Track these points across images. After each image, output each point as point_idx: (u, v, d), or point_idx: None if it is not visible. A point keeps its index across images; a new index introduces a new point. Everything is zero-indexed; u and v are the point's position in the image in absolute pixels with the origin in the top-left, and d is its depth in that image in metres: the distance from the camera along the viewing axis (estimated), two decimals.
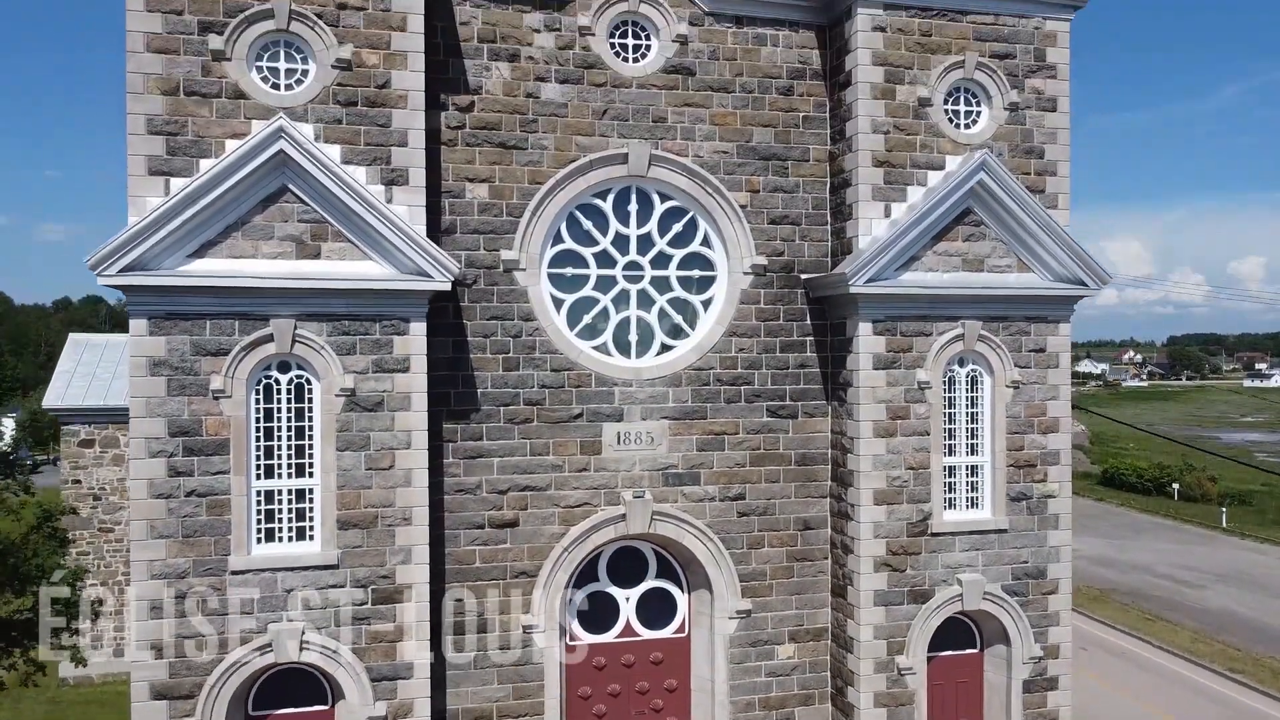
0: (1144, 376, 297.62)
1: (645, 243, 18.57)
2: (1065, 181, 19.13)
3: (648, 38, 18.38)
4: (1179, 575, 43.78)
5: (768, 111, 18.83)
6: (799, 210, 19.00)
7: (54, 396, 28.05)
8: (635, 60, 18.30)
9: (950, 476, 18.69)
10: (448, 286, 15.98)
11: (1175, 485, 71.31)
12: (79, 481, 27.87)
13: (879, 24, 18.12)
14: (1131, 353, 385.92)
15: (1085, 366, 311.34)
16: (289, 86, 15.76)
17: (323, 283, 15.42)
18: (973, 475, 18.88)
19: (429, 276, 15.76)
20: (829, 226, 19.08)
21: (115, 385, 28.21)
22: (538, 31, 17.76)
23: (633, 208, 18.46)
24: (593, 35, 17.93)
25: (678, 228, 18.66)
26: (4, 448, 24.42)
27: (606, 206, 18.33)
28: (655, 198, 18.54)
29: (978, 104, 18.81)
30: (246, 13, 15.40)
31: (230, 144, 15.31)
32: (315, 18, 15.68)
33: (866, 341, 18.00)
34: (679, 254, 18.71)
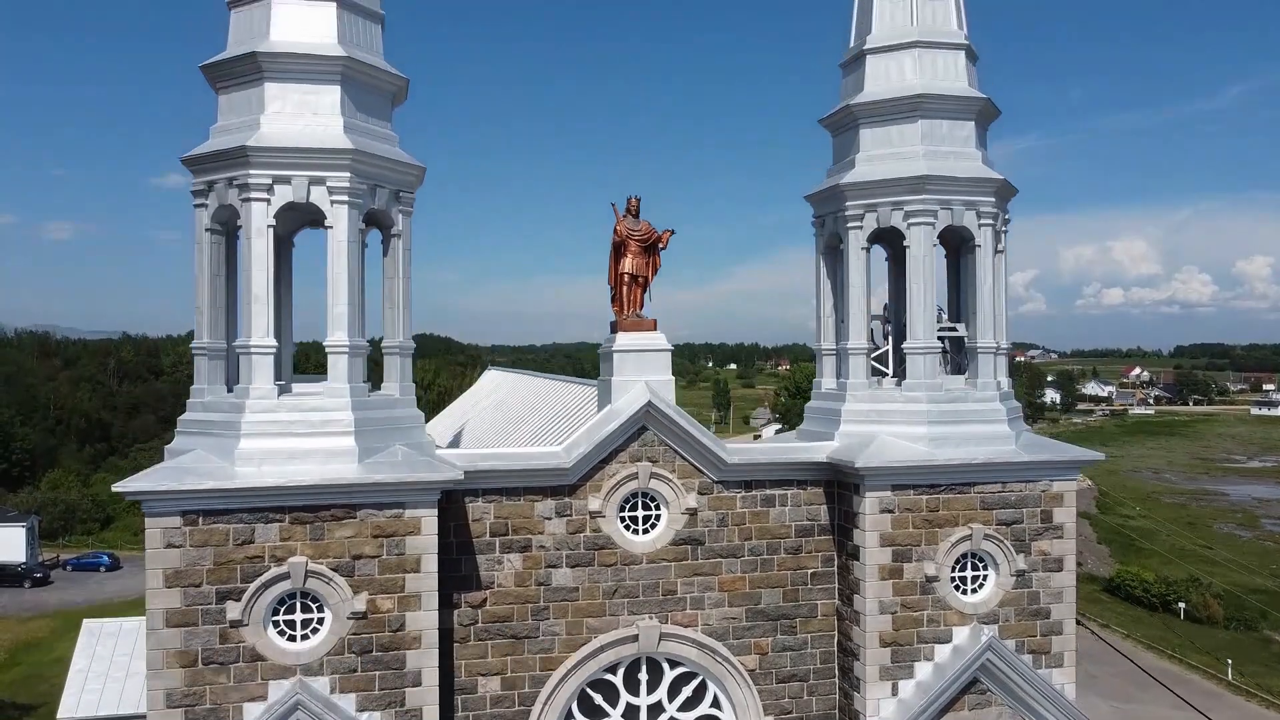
0: (1150, 401, 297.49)
1: (655, 710, 18.80)
2: (1071, 639, 19.31)
3: (657, 508, 18.61)
4: None
5: (776, 572, 19.05)
6: (807, 667, 19.22)
7: (68, 707, 28.41)
8: (644, 532, 18.53)
9: None
10: None
11: (1182, 605, 71.40)
12: None
13: (887, 505, 18.31)
14: (1138, 370, 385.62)
15: (1091, 389, 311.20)
16: (305, 637, 16.02)
17: None
18: None
19: None
20: (836, 682, 19.29)
21: (129, 685, 28.55)
22: (549, 519, 18.00)
23: (643, 676, 18.69)
24: (603, 517, 18.16)
25: (687, 692, 18.90)
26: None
27: (617, 680, 18.56)
28: (665, 665, 18.77)
29: (984, 568, 18.98)
30: (263, 578, 15.66)
31: (248, 707, 15.59)
32: (331, 572, 15.93)
33: None
34: (689, 718, 18.93)
